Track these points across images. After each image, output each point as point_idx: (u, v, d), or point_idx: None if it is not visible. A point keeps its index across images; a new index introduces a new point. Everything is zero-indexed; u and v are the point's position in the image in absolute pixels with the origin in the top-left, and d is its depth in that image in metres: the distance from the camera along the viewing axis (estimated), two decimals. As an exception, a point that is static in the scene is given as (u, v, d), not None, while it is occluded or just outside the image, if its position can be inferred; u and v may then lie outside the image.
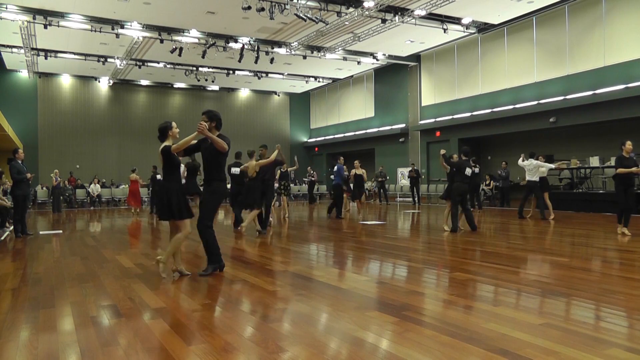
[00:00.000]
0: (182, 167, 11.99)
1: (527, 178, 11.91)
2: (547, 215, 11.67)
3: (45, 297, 4.57)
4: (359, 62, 22.31)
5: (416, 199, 19.18)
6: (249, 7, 14.14)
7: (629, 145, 8.39)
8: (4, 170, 12.68)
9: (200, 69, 23.36)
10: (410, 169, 19.44)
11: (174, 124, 5.47)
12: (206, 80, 24.91)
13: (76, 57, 21.01)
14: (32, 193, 20.47)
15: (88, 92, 25.90)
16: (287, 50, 20.19)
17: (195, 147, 5.51)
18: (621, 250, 6.96)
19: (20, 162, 9.48)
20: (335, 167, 13.57)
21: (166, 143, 5.36)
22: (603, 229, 9.58)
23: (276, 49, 20.04)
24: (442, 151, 10.06)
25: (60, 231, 10.90)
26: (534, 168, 11.77)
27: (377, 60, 22.09)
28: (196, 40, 18.69)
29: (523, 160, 12.07)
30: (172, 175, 5.43)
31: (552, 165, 12.61)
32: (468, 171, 9.34)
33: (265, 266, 6.06)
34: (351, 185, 13.78)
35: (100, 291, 4.74)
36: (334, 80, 27.71)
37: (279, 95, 30.55)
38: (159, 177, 15.53)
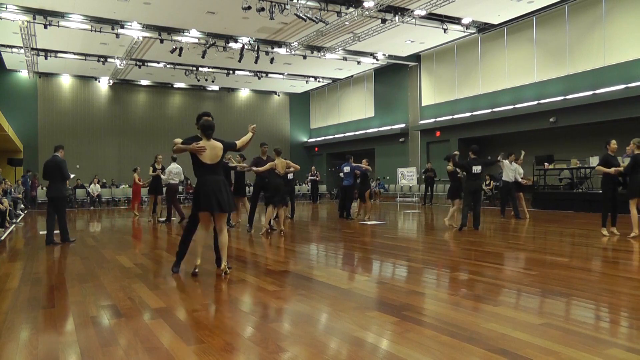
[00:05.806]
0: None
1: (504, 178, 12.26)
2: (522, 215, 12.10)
3: (45, 297, 4.57)
4: (359, 62, 22.29)
5: (432, 199, 19.37)
6: (249, 7, 14.13)
7: (613, 144, 8.40)
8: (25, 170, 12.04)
9: (200, 69, 23.34)
10: (427, 168, 19.44)
11: None
12: (206, 80, 24.89)
13: (76, 57, 21.00)
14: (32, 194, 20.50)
15: (88, 92, 25.89)
16: (287, 50, 20.18)
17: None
18: (620, 250, 6.96)
19: None
20: (348, 167, 12.38)
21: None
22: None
23: (276, 49, 20.03)
24: (456, 153, 10.55)
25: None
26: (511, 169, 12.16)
27: (377, 60, 22.07)
28: (196, 40, 18.68)
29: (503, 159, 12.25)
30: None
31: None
32: (475, 169, 9.51)
33: (266, 266, 6.06)
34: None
35: (100, 291, 4.74)
36: (334, 80, 27.69)
37: (279, 95, 30.54)
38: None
